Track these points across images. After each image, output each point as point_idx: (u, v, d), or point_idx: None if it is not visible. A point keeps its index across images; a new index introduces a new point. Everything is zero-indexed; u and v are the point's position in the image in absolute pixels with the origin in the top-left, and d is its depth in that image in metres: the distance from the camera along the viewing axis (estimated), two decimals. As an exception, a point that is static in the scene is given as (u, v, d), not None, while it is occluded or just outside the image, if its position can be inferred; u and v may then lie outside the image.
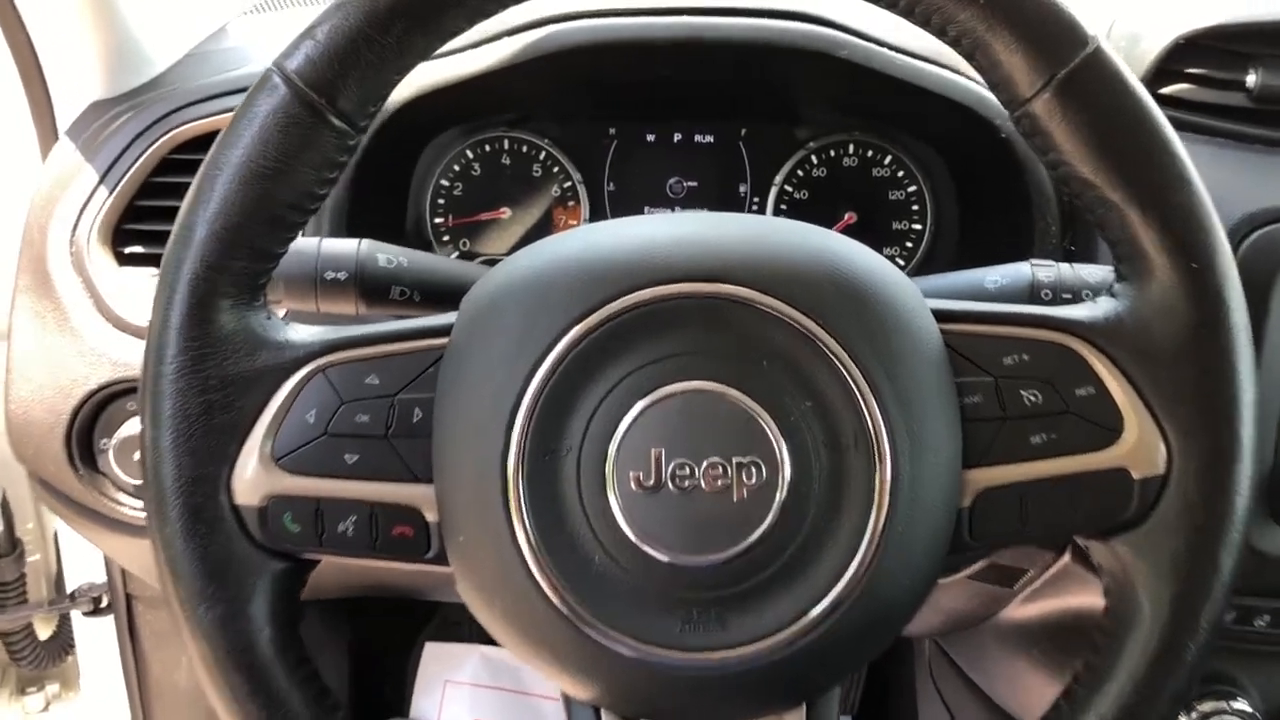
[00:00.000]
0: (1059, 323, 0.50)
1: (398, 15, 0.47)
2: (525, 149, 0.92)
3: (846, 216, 0.91)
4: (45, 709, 1.60)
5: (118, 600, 1.07)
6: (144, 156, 0.81)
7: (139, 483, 0.76)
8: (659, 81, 0.88)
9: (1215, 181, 0.50)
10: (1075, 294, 0.62)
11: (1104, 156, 0.47)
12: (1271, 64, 0.78)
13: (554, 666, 0.47)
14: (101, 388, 0.78)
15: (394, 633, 1.35)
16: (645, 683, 0.47)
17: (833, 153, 0.91)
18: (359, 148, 0.50)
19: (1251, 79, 0.78)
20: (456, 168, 0.92)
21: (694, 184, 0.93)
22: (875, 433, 0.46)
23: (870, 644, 0.49)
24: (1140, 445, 0.48)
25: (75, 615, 1.29)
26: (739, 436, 0.46)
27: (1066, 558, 0.79)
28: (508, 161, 0.92)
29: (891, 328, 0.48)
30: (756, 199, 0.92)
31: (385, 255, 0.64)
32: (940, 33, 0.49)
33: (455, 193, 0.92)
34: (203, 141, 0.81)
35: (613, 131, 0.92)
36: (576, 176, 0.92)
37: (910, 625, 0.52)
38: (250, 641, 0.48)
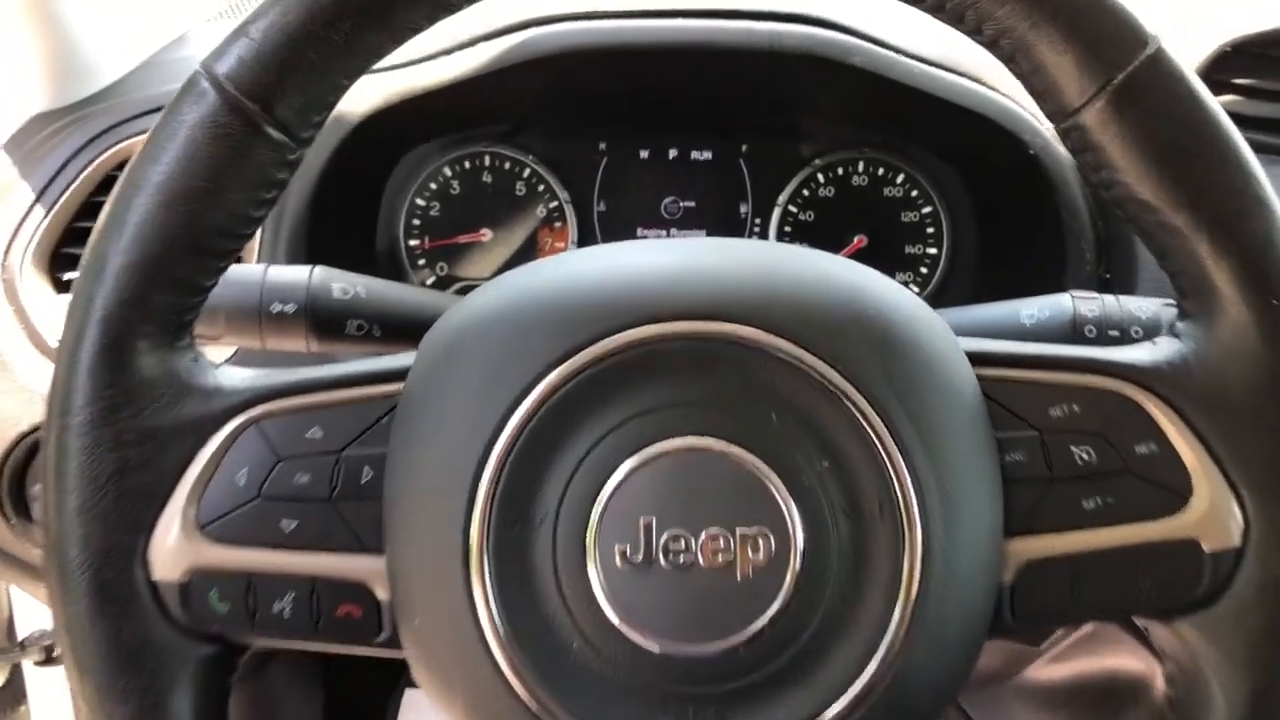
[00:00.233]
0: (1115, 367, 0.46)
1: (346, 9, 0.43)
2: (508, 165, 0.90)
3: (856, 240, 0.89)
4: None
5: (68, 650, 1.03)
6: (85, 173, 0.77)
7: None
8: (653, 92, 0.86)
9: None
10: (1123, 331, 0.58)
11: (1167, 175, 0.44)
12: None
13: None
14: (35, 429, 0.75)
15: (371, 678, 1.32)
16: None
17: (841, 171, 0.90)
18: (301, 163, 0.46)
19: None
20: (433, 185, 0.90)
21: (691, 204, 0.91)
22: (903, 497, 0.42)
23: None
24: (1212, 512, 0.44)
25: (27, 665, 1.26)
26: (743, 503, 0.42)
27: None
28: (489, 179, 0.90)
29: (922, 375, 0.44)
30: (758, 220, 0.90)
31: (341, 285, 0.60)
32: (975, 32, 0.45)
33: (432, 213, 0.90)
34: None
35: (603, 147, 0.90)
36: (564, 196, 0.90)
37: None
38: None
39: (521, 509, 0.42)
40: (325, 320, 0.60)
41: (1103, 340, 0.58)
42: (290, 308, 0.59)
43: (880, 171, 0.89)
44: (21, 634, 1.18)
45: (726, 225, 0.90)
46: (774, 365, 0.43)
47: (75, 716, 1.00)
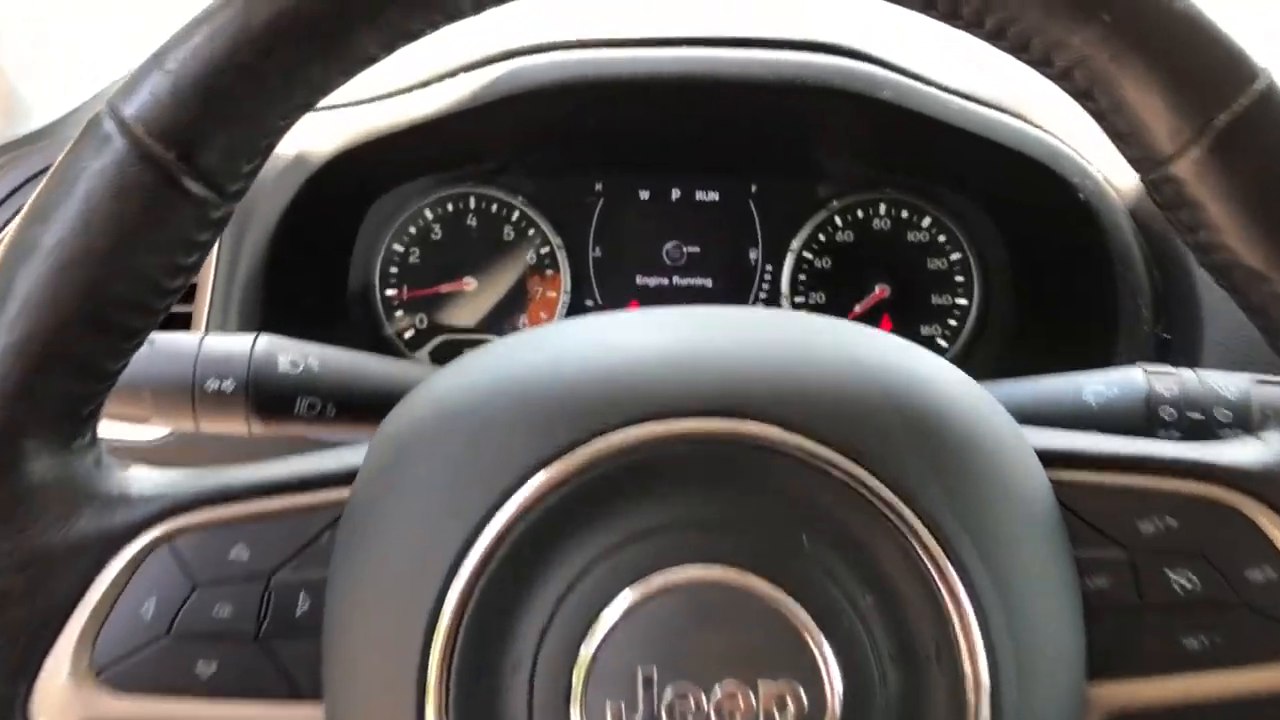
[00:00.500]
0: (1218, 472, 0.42)
1: (284, 35, 0.38)
2: (495, 208, 0.88)
3: (877, 289, 0.86)
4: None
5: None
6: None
7: None
8: (653, 128, 0.84)
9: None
10: (1207, 414, 0.54)
11: None
12: None
13: None
14: None
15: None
16: None
17: (861, 213, 0.87)
18: (228, 220, 0.41)
19: None
20: (412, 230, 0.87)
21: (695, 249, 0.88)
22: (965, 639, 0.37)
23: None
24: None
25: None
26: (768, 649, 0.37)
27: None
28: (474, 222, 0.87)
29: (986, 483, 0.39)
30: (769, 267, 0.88)
31: (290, 356, 0.56)
32: (1043, 63, 0.40)
33: (411, 260, 0.87)
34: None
35: (599, 187, 0.88)
36: (555, 240, 0.87)
37: None
38: None
39: (490, 656, 0.37)
40: (270, 398, 0.55)
41: (1183, 424, 0.53)
42: (229, 384, 0.55)
43: (904, 214, 0.87)
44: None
45: (734, 272, 0.89)
46: (803, 474, 0.38)
47: None
